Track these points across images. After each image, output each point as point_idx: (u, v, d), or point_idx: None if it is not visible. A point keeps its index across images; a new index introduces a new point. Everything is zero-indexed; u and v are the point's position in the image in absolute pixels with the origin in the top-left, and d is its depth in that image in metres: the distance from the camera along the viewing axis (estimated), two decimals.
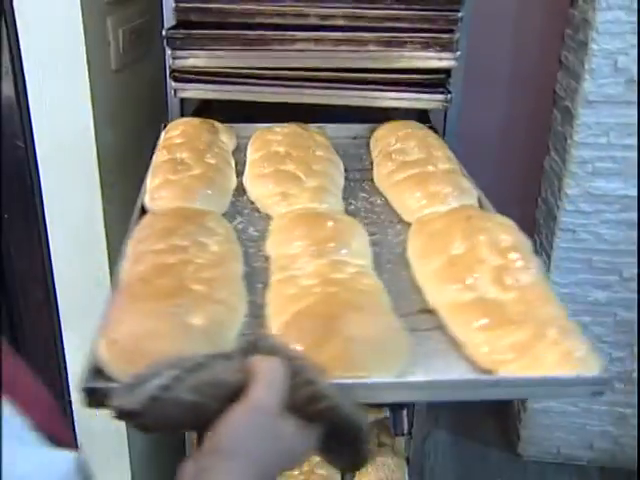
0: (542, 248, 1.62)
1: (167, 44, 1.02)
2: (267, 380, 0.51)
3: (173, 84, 1.04)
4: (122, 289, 0.63)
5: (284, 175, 0.92)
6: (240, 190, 0.96)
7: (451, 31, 1.04)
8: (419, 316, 0.69)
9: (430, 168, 0.93)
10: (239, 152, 1.10)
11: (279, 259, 0.75)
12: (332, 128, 1.17)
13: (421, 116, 1.18)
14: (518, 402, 1.81)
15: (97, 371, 0.56)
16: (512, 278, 0.67)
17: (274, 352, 0.55)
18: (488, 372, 0.61)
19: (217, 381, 0.52)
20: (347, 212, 0.91)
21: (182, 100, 1.10)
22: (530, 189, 1.72)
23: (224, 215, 0.89)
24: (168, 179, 0.88)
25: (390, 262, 0.80)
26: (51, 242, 1.12)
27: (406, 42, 1.05)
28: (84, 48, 0.98)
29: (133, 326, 0.57)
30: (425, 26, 1.04)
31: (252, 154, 1.02)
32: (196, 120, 1.08)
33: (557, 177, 1.52)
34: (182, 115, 1.11)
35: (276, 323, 0.63)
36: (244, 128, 1.13)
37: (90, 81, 1.00)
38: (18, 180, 1.06)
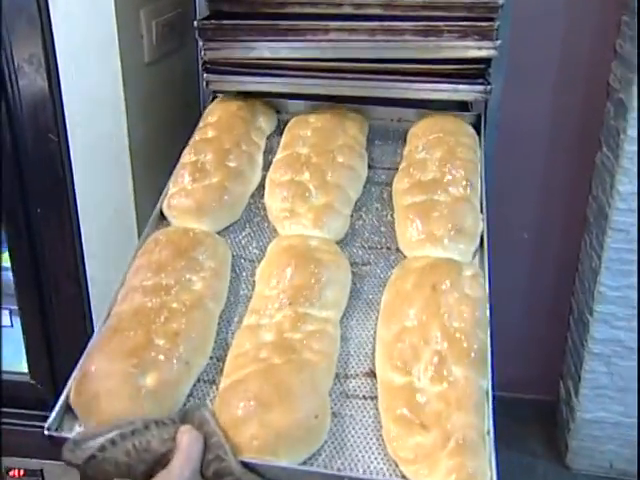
0: (592, 248, 1.54)
1: (199, 35, 1.04)
2: (186, 452, 0.65)
3: (205, 76, 1.07)
4: (103, 332, 0.77)
5: (296, 188, 0.97)
6: (262, 188, 1.03)
7: (491, 19, 1.00)
8: (363, 380, 0.77)
9: (438, 197, 0.93)
10: (277, 134, 1.15)
11: (256, 298, 0.84)
12: (376, 110, 1.17)
13: (461, 104, 1.15)
14: (566, 410, 1.75)
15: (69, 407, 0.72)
16: (446, 369, 0.71)
17: (202, 424, 0.68)
18: (394, 462, 0.69)
19: (147, 447, 0.66)
20: (352, 229, 0.96)
21: (215, 93, 1.14)
22: (580, 186, 1.60)
23: (236, 224, 0.98)
24: (184, 188, 0.97)
25: (367, 303, 0.87)
26: (83, 238, 1.16)
27: (443, 31, 1.01)
28: (117, 41, 1.01)
29: (95, 383, 0.70)
30: (463, 14, 1.01)
31: (280, 150, 1.07)
32: (234, 105, 1.13)
33: (609, 173, 1.41)
34: None
35: (222, 383, 0.74)
36: (290, 104, 1.18)
37: (123, 74, 1.03)
38: (51, 174, 1.10)
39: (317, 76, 1.07)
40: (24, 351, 1.27)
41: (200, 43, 1.06)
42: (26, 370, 1.29)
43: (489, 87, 1.04)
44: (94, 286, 1.23)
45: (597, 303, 1.59)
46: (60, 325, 1.24)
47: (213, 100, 1.17)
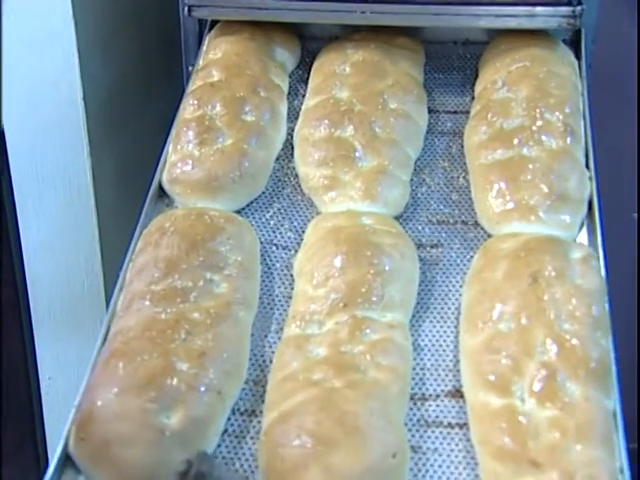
0: None
1: None
2: None
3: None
4: (106, 357, 0.79)
5: (337, 147, 0.98)
6: (289, 146, 1.04)
7: None
8: (446, 401, 0.80)
9: (528, 151, 0.94)
10: (300, 69, 1.15)
11: (298, 299, 0.86)
12: (435, 29, 1.17)
13: None
14: None
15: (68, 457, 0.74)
16: (558, 386, 0.73)
17: None
18: None
19: None
20: (414, 198, 0.98)
21: (200, 21, 1.14)
22: None
23: (260, 198, 0.99)
24: (191, 154, 0.98)
25: (442, 299, 0.88)
26: (20, 223, 1.12)
27: None
28: None
29: (103, 426, 0.73)
30: None
31: (311, 95, 1.08)
32: (243, 33, 1.13)
33: None
34: (200, 39, 1.15)
35: (268, 415, 0.76)
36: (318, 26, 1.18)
37: None
38: None
39: None
40: None
41: None
42: None
43: (579, 9, 1.03)
44: (36, 289, 1.19)
45: None
46: None
47: (212, 27, 1.17)
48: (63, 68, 1.08)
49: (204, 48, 1.14)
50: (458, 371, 0.81)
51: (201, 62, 1.12)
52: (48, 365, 1.29)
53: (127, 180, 1.22)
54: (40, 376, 1.31)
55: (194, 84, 1.07)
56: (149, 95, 1.08)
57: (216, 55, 1.10)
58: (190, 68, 1.16)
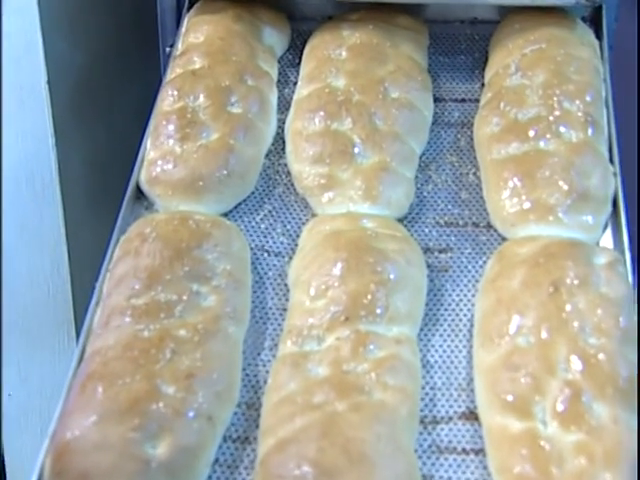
0: None
1: None
2: None
3: None
4: (82, 381, 0.79)
5: (334, 142, 0.98)
6: (280, 140, 1.04)
7: None
8: (460, 424, 0.80)
9: (546, 145, 0.94)
10: (291, 53, 1.15)
11: (294, 312, 0.86)
12: (439, 6, 1.17)
13: None
14: None
15: None
16: (584, 407, 0.74)
17: None
18: None
19: None
20: (419, 198, 0.98)
21: None
22: None
23: (249, 199, 0.99)
24: (172, 151, 0.98)
25: (453, 310, 0.89)
26: None
27: None
28: None
29: (81, 457, 0.73)
30: None
31: (304, 83, 1.08)
32: (227, 13, 1.12)
33: None
34: (178, 18, 1.15)
35: (263, 442, 0.77)
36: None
37: None
38: None
39: None
40: None
41: None
42: None
43: None
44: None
45: None
46: None
47: (192, 5, 1.17)
48: (25, 48, 1.07)
49: (183, 30, 1.13)
50: (472, 391, 0.81)
51: (180, 46, 1.11)
52: (8, 380, 1.28)
53: (97, 174, 1.21)
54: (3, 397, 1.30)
55: (173, 72, 1.06)
56: (122, 79, 1.08)
57: (197, 39, 1.10)
58: (167, 49, 1.16)
